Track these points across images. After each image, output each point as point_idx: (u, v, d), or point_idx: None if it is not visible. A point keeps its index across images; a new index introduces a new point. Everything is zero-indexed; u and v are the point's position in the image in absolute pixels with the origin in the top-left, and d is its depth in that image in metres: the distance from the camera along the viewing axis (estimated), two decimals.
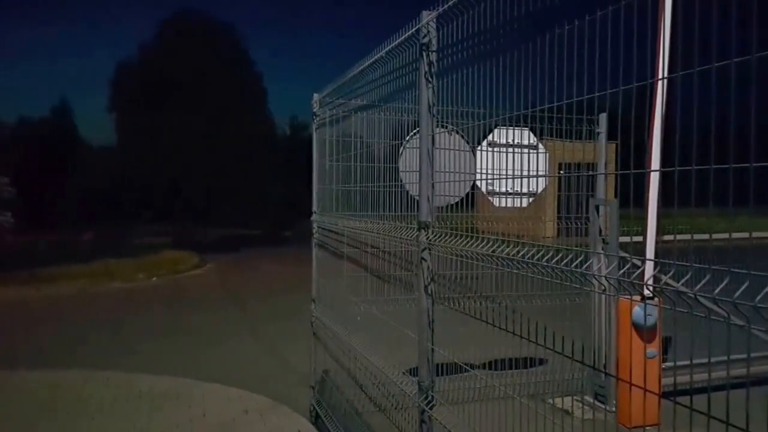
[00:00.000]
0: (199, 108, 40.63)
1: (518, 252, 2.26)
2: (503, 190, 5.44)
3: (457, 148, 3.82)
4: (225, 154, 40.32)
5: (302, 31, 65.04)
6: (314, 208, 5.78)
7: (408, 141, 4.22)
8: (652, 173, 4.24)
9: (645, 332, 4.53)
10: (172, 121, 41.03)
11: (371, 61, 3.85)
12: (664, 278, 1.72)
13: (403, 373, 3.72)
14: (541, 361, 5.36)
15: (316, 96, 5.67)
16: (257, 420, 5.35)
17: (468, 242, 2.70)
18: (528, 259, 2.23)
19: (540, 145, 5.81)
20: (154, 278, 16.19)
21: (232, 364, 7.79)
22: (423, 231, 3.13)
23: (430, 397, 3.10)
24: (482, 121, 3.19)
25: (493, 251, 2.43)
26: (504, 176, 4.80)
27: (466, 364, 3.30)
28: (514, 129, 5.34)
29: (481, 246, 2.57)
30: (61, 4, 55.23)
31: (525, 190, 5.71)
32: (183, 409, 5.68)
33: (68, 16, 62.13)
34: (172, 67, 41.18)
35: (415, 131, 4.05)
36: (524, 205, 5.74)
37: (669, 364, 4.56)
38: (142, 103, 41.92)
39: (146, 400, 5.94)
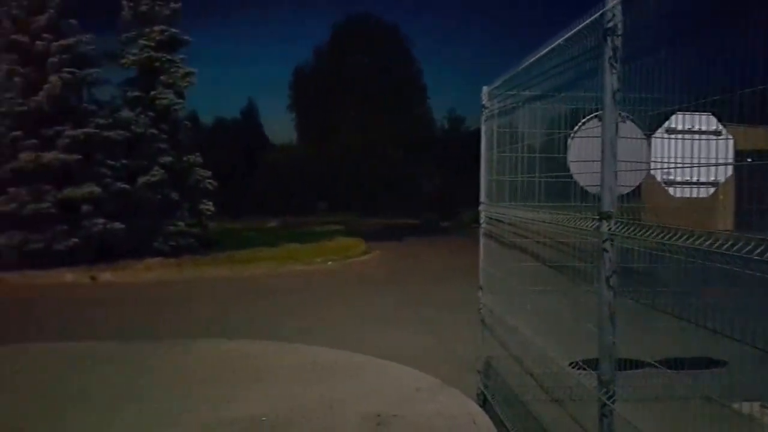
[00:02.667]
0: (366, 106, 41.98)
1: (726, 244, 2.01)
2: (681, 179, 4.96)
3: (631, 135, 3.54)
4: (390, 148, 41.35)
5: (460, 28, 64.59)
6: (482, 198, 5.67)
7: (578, 130, 3.97)
8: None
9: None
10: (343, 119, 42.83)
11: (548, 49, 3.66)
12: None
13: (573, 365, 3.52)
14: (720, 363, 4.82)
15: (485, 88, 5.54)
16: (428, 399, 5.38)
17: (655, 233, 2.47)
18: (730, 251, 1.98)
19: (724, 132, 5.22)
20: (329, 262, 16.97)
21: (401, 343, 7.92)
22: (605, 221, 2.92)
23: (611, 392, 2.89)
24: (673, 107, 2.91)
25: (692, 243, 2.18)
26: (686, 164, 4.37)
27: (647, 361, 3.04)
28: (694, 115, 4.84)
29: (673, 238, 2.33)
30: (247, 18, 59.84)
31: (705, 179, 5.17)
32: (361, 382, 5.88)
33: (253, 26, 67.16)
34: (342, 69, 42.91)
35: (586, 119, 3.80)
36: (705, 195, 5.19)
37: None
38: (316, 103, 44.17)
39: (327, 371, 6.22)
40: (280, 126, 70.67)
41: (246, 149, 45.13)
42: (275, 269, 15.79)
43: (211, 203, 18.00)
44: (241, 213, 32.35)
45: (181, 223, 16.95)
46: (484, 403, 5.32)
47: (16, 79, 15.06)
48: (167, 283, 14.01)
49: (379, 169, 41.15)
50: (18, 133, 14.90)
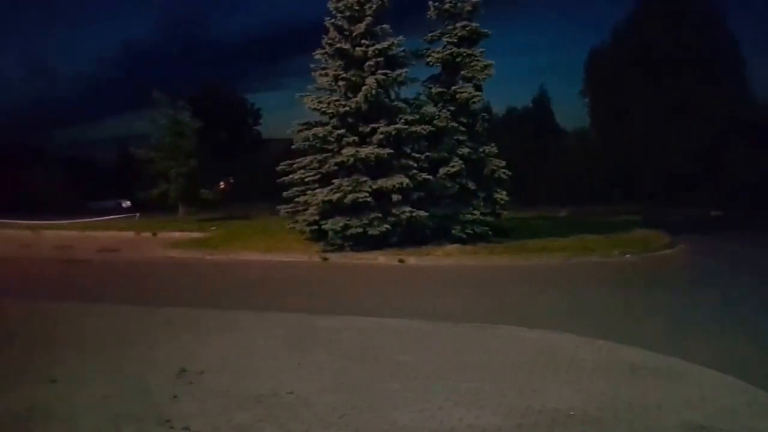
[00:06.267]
0: (670, 86, 38.20)
1: None
2: None
3: None
4: (696, 131, 37.03)
5: None
6: None
7: None
8: None
9: None
10: (642, 102, 39.66)
11: None
12: None
13: None
14: None
15: None
16: (765, 416, 4.71)
17: None
18: None
19: None
20: (627, 255, 15.99)
21: (720, 349, 7.03)
22: None
23: None
24: None
25: None
26: None
27: None
28: None
29: None
30: (540, 4, 59.22)
31: None
32: (677, 388, 5.42)
33: (547, 11, 66.33)
34: (643, 47, 39.69)
35: None
36: None
37: None
38: (612, 86, 41.68)
39: (638, 373, 5.86)
40: (571, 112, 68.76)
41: (537, 137, 44.96)
42: (569, 260, 15.46)
43: (504, 192, 18.30)
44: (530, 201, 32.33)
45: (476, 212, 17.58)
46: None
47: (341, 83, 17.24)
48: (465, 269, 14.72)
49: (683, 155, 37.21)
50: (341, 131, 17.07)
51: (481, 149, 18.09)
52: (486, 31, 18.15)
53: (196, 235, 23.27)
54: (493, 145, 18.45)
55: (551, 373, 5.96)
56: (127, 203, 44.57)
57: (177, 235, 23.83)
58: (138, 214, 30.87)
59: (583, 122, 48.73)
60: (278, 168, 18.56)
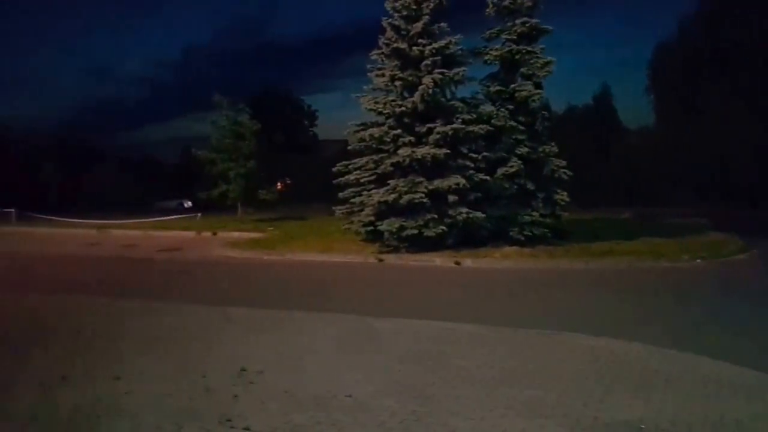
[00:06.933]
0: (740, 82, 36.45)
1: None
2: None
3: None
4: None
5: None
6: None
7: None
8: None
9: None
10: (712, 98, 38.01)
11: None
12: None
13: None
14: None
15: None
16: None
17: None
18: None
19: None
20: (698, 260, 15.32)
21: None
22: None
23: None
24: None
25: None
26: None
27: None
28: None
29: None
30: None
31: None
32: (756, 404, 5.12)
33: (609, 6, 64.54)
34: (712, 42, 38.05)
35: None
36: None
37: None
38: (679, 82, 40.13)
39: (713, 386, 5.58)
40: (635, 110, 66.73)
41: (599, 136, 43.78)
42: (634, 264, 14.91)
43: (565, 193, 17.82)
44: (590, 202, 31.45)
45: (535, 213, 17.20)
46: None
47: (397, 83, 17.18)
48: (523, 272, 14.42)
49: (756, 154, 35.40)
50: (398, 131, 17.02)
51: (540, 149, 17.68)
52: (546, 27, 17.70)
53: (254, 235, 23.72)
54: (553, 144, 17.99)
55: (620, 383, 5.73)
56: (188, 203, 45.88)
57: (236, 235, 24.35)
58: (199, 214, 31.69)
59: (647, 120, 47.22)
60: (334, 169, 18.68)
